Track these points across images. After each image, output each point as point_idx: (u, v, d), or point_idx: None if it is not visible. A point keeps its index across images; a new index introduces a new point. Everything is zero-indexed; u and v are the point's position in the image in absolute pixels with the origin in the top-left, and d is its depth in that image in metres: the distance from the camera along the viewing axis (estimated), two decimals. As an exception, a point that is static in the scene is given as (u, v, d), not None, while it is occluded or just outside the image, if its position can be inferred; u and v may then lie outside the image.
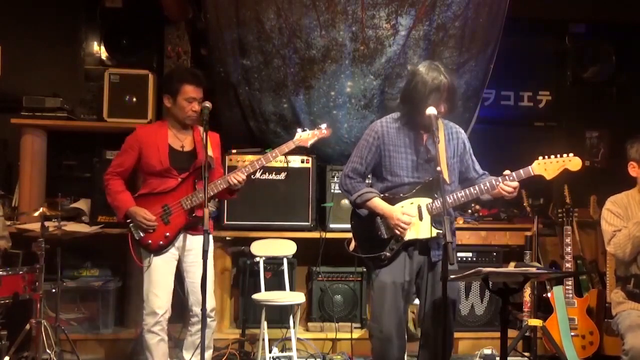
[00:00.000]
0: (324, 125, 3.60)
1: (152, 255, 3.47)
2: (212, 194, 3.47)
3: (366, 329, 4.57)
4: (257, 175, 4.57)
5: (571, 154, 3.07)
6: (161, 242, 3.47)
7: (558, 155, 3.07)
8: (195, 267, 3.46)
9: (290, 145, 3.52)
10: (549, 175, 3.07)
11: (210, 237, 3.59)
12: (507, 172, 3.06)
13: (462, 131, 3.29)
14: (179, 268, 3.57)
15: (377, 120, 3.27)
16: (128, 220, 3.49)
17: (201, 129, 3.60)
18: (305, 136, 3.55)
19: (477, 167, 3.29)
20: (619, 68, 5.76)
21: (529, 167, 3.06)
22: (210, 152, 3.54)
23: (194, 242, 3.51)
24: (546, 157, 3.07)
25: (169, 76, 3.77)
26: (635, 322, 3.32)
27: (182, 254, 3.54)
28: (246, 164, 3.58)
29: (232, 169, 3.97)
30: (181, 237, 3.51)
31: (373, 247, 3.14)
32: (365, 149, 3.19)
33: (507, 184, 3.04)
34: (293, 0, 4.40)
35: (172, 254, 3.52)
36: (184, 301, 3.62)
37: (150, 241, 3.47)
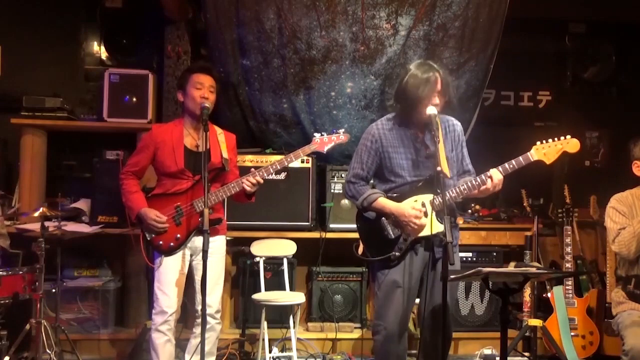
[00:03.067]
0: (341, 130, 3.51)
1: (162, 256, 3.45)
2: (224, 196, 3.45)
3: (367, 328, 4.57)
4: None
5: (568, 136, 3.06)
6: (172, 244, 3.44)
7: (556, 139, 3.05)
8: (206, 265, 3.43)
9: (306, 150, 3.45)
10: (548, 160, 3.04)
11: (223, 238, 3.63)
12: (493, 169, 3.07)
13: (458, 123, 3.30)
14: (189, 266, 3.54)
15: (372, 124, 3.27)
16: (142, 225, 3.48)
17: (217, 128, 3.62)
18: (322, 141, 3.48)
19: (466, 161, 3.29)
20: (619, 68, 5.76)
21: (528, 153, 3.05)
22: (225, 155, 3.53)
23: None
24: (544, 141, 3.06)
25: (181, 74, 3.74)
26: (635, 322, 3.32)
27: (195, 253, 3.51)
28: (263, 166, 3.51)
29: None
30: (194, 237, 3.46)
31: (381, 249, 3.13)
32: (365, 154, 3.21)
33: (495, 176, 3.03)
34: (293, 1, 4.40)
35: (184, 254, 3.49)
36: (187, 302, 3.61)
37: (161, 242, 3.44)
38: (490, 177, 3.04)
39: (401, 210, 3.06)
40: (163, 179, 3.53)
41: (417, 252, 3.13)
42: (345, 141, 3.52)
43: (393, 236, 3.12)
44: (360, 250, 3.23)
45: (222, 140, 3.59)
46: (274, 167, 3.46)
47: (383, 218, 3.14)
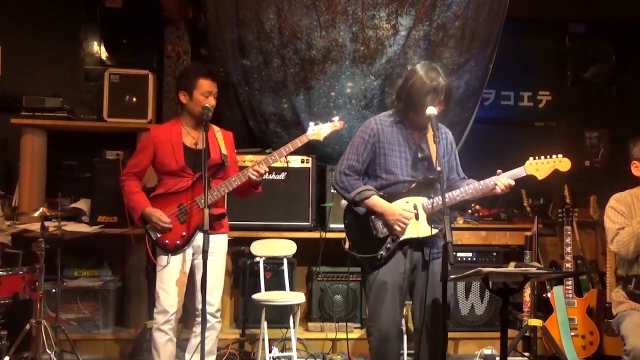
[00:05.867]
0: (336, 118, 3.53)
1: (169, 255, 3.45)
2: (226, 191, 3.46)
3: (366, 329, 4.57)
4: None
5: (560, 155, 3.12)
6: (178, 242, 3.45)
7: (548, 156, 3.11)
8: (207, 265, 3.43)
9: (303, 139, 3.44)
10: (540, 176, 3.11)
11: (225, 237, 3.64)
12: (499, 171, 3.09)
13: (449, 132, 3.30)
14: (191, 266, 3.55)
15: (372, 118, 3.25)
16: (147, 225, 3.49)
17: (214, 126, 3.62)
18: (318, 129, 3.48)
19: (460, 169, 3.30)
20: (619, 68, 5.76)
21: (521, 167, 3.10)
22: (224, 151, 3.55)
23: (210, 240, 3.38)
24: (537, 157, 3.11)
25: (184, 73, 3.71)
26: (636, 322, 3.32)
27: (197, 252, 3.50)
28: (261, 159, 3.49)
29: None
30: (198, 236, 3.45)
31: (368, 247, 3.11)
32: (361, 146, 3.17)
33: (502, 181, 3.05)
34: (293, 1, 4.40)
35: (187, 253, 3.49)
36: (187, 302, 3.61)
37: (167, 241, 3.44)
38: (496, 184, 3.07)
39: (391, 209, 3.06)
40: (164, 179, 3.53)
41: (406, 253, 3.12)
42: (341, 128, 3.54)
43: (381, 235, 3.10)
44: (347, 245, 3.20)
45: (220, 138, 3.61)
46: (273, 158, 3.44)
47: (373, 216, 3.12)
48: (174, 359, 3.58)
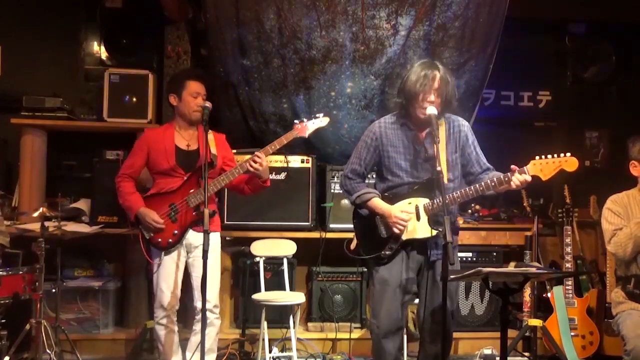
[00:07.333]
0: (320, 115, 3.62)
1: (162, 253, 3.57)
2: (218, 187, 3.55)
3: (366, 329, 4.58)
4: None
5: (568, 154, 2.96)
6: (170, 240, 3.56)
7: (555, 155, 2.97)
8: (200, 262, 3.47)
9: (288, 136, 3.54)
10: (545, 176, 2.98)
11: (217, 235, 3.72)
12: (513, 167, 2.99)
13: (466, 123, 3.26)
14: (185, 264, 3.66)
15: (376, 121, 3.31)
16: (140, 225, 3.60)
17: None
18: (303, 127, 3.57)
19: (482, 160, 3.22)
20: (619, 68, 5.75)
21: (525, 167, 2.99)
22: (214, 151, 3.63)
23: (201, 238, 3.45)
24: (542, 157, 2.98)
25: (172, 77, 3.88)
26: (636, 322, 3.32)
27: (190, 250, 3.63)
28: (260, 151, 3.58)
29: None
30: (189, 234, 3.59)
31: (373, 246, 3.18)
32: (364, 150, 3.24)
33: (518, 177, 2.96)
34: (293, 1, 4.40)
35: (180, 251, 3.61)
36: (186, 299, 3.65)
37: (159, 239, 3.56)
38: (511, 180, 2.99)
39: (389, 211, 3.10)
40: (157, 179, 3.66)
41: (409, 254, 3.15)
42: (324, 124, 3.61)
43: (385, 235, 3.15)
44: (353, 245, 3.28)
45: (210, 139, 3.68)
46: (266, 151, 3.54)
47: (377, 217, 3.18)
48: (178, 348, 3.67)
